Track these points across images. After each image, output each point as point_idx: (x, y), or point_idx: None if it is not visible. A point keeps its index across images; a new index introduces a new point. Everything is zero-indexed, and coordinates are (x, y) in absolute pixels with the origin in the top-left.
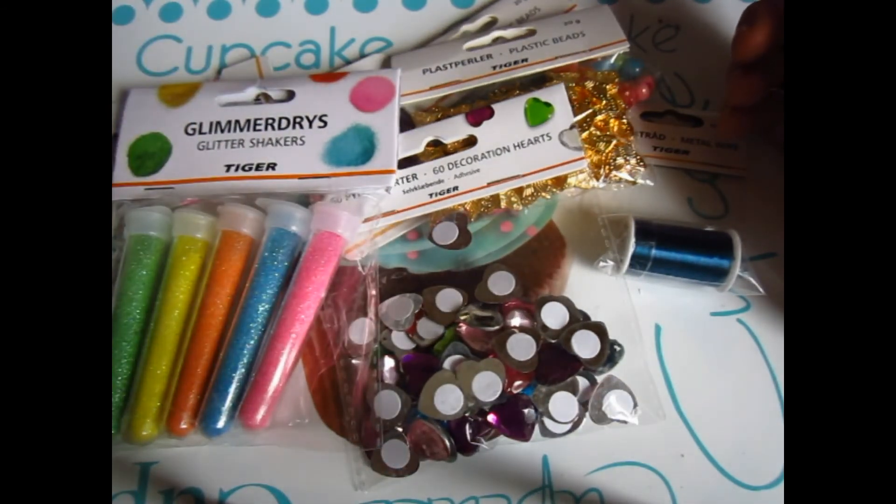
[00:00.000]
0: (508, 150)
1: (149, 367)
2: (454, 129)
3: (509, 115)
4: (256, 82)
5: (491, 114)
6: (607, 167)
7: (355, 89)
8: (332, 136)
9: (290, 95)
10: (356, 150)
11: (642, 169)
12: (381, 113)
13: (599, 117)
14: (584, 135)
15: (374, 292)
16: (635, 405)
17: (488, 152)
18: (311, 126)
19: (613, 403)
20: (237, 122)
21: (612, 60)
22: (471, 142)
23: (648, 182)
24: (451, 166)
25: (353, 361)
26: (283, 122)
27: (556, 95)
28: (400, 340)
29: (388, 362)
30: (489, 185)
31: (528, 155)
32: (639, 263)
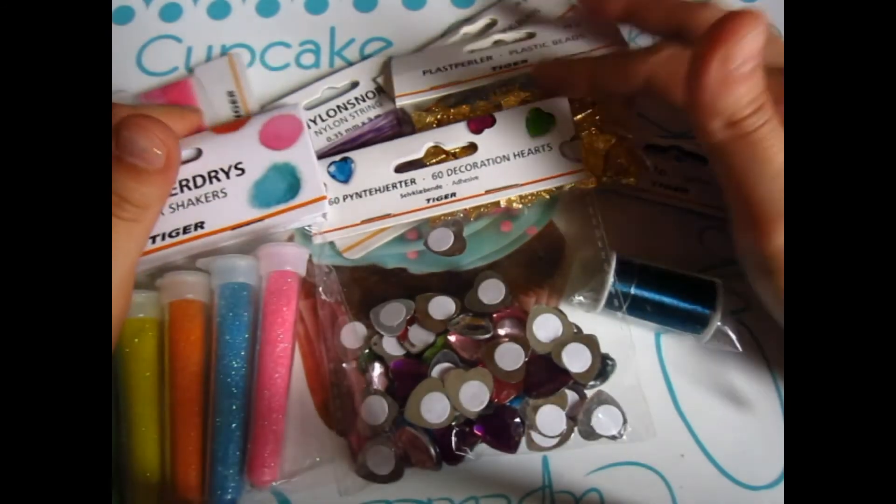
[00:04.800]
0: (508, 159)
1: (135, 461)
2: (455, 135)
3: (511, 125)
4: None
5: (492, 122)
6: (609, 171)
7: (263, 131)
8: (254, 181)
9: (198, 153)
10: (281, 187)
11: (634, 169)
12: (295, 147)
13: (598, 117)
14: (584, 134)
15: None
16: (625, 421)
17: (488, 160)
18: (228, 177)
19: (602, 419)
20: None
21: None
22: (471, 149)
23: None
24: (450, 172)
25: (343, 366)
26: (199, 180)
27: (559, 107)
28: (390, 346)
29: (378, 368)
30: (487, 192)
31: (527, 164)
32: (616, 302)
